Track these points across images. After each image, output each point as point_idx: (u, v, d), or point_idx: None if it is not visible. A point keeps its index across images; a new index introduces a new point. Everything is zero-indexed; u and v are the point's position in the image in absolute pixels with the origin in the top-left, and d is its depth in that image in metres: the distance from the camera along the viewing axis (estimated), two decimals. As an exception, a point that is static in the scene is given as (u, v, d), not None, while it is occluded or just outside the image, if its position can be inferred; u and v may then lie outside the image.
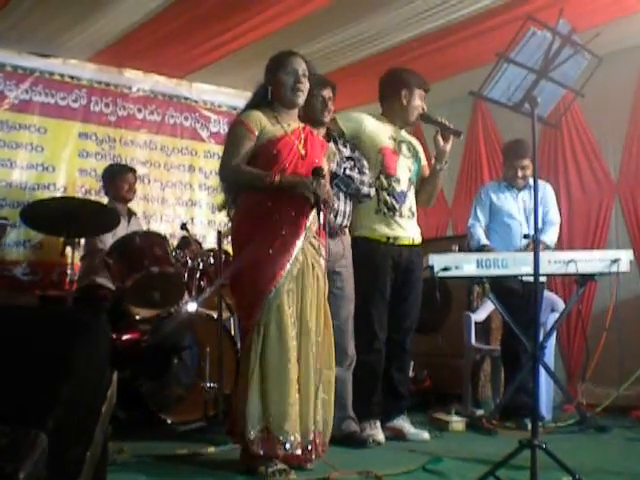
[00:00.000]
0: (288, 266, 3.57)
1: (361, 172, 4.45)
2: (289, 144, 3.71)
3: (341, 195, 4.43)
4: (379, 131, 4.67)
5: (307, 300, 3.63)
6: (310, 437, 3.55)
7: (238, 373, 3.82)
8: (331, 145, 4.23)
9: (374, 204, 4.58)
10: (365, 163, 4.52)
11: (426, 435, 4.60)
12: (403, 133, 4.79)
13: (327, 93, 4.45)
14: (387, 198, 4.58)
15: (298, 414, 3.51)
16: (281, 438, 3.45)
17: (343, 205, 4.45)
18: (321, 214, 3.58)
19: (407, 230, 4.62)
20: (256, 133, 3.69)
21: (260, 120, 3.71)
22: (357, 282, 4.55)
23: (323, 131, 4.45)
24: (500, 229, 5.53)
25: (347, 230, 4.58)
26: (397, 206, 4.58)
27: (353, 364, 4.47)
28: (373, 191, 4.50)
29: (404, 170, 4.66)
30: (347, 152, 4.50)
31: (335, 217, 4.41)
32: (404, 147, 4.71)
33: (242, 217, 3.78)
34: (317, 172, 3.61)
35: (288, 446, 3.46)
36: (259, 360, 3.51)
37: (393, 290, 4.60)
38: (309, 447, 3.55)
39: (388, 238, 4.57)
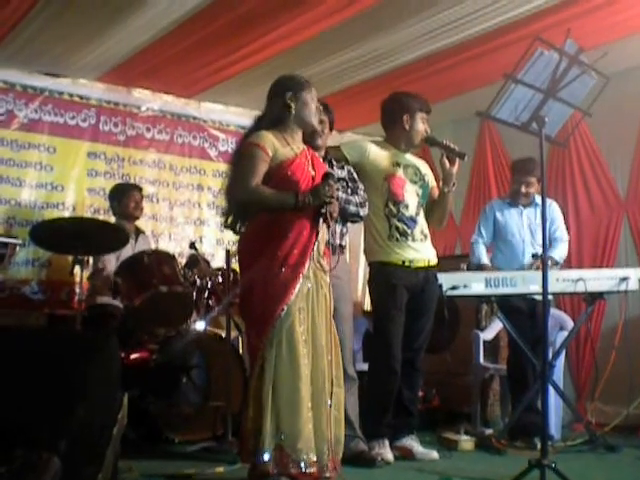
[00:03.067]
0: (299, 285, 3.57)
1: (354, 193, 4.45)
2: (301, 166, 3.72)
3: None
4: (382, 159, 4.67)
5: (317, 319, 3.63)
6: (326, 456, 3.54)
7: (246, 392, 3.81)
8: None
9: (386, 231, 4.59)
10: (361, 185, 4.52)
11: (435, 454, 4.57)
12: (408, 157, 4.77)
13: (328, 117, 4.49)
14: (398, 224, 4.58)
15: (312, 433, 3.50)
16: (295, 457, 3.43)
17: (333, 224, 4.45)
18: (323, 221, 3.62)
19: (421, 252, 4.61)
20: (270, 155, 3.68)
21: (273, 142, 3.71)
22: (375, 304, 4.70)
23: (320, 155, 4.50)
24: (504, 246, 5.53)
25: (345, 250, 4.66)
26: (409, 231, 4.58)
27: (356, 384, 4.46)
28: (364, 211, 4.47)
29: (412, 195, 4.65)
30: (342, 174, 4.51)
31: (333, 237, 4.41)
32: (410, 172, 4.70)
33: (252, 236, 3.78)
34: (328, 176, 3.64)
35: (302, 465, 3.44)
36: (272, 379, 3.50)
37: (407, 310, 4.59)
38: (325, 466, 3.53)
39: (403, 262, 4.56)
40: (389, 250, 4.59)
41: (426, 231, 4.68)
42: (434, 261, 4.71)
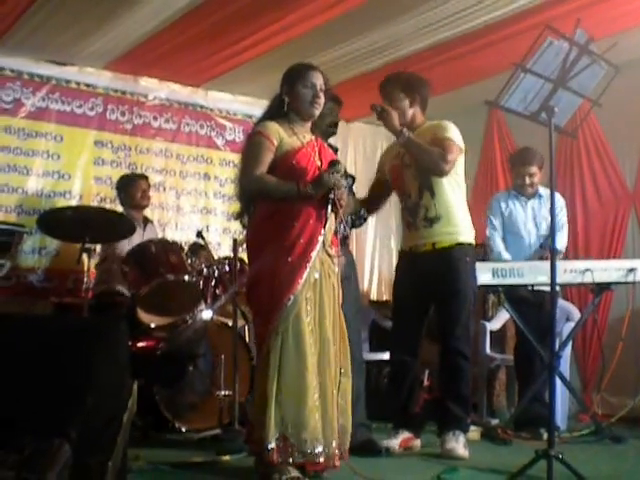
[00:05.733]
0: (306, 274, 3.56)
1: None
2: (307, 155, 3.72)
3: None
4: (388, 157, 4.74)
5: (325, 308, 3.62)
6: (333, 445, 3.54)
7: (254, 381, 3.80)
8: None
9: (401, 222, 4.72)
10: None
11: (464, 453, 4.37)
12: None
13: (336, 107, 4.55)
14: (405, 214, 4.61)
15: (319, 422, 3.50)
16: (299, 447, 3.44)
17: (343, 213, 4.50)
18: (331, 209, 3.62)
19: (425, 237, 4.49)
20: (275, 144, 3.68)
21: (278, 131, 3.71)
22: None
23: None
24: (511, 238, 5.50)
25: (348, 241, 4.76)
26: (411, 220, 4.54)
27: (363, 371, 4.48)
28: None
29: (410, 181, 4.55)
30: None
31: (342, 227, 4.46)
32: (408, 156, 4.54)
33: (259, 225, 3.76)
34: (333, 164, 3.64)
35: (308, 454, 3.45)
36: (277, 368, 3.50)
37: (432, 298, 4.55)
38: (332, 455, 3.53)
39: (410, 248, 4.58)
40: (402, 238, 4.75)
41: (433, 214, 4.47)
42: (444, 243, 4.46)
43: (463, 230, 4.54)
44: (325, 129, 4.46)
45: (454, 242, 4.48)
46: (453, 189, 4.54)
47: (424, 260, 4.50)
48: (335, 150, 4.65)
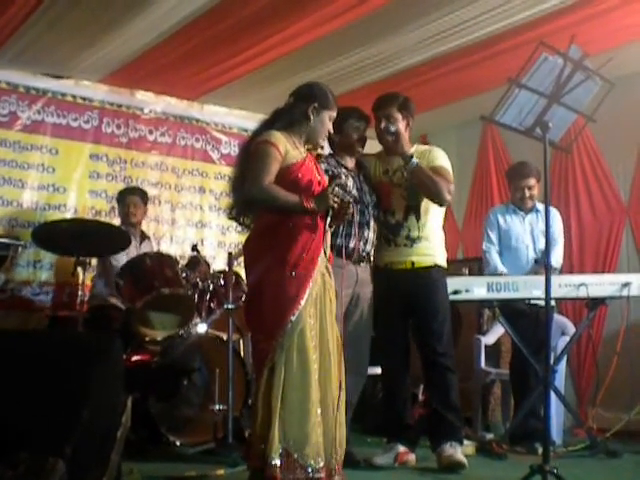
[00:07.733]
0: (309, 289, 3.53)
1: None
2: (310, 169, 3.71)
3: (372, 223, 4.51)
4: (375, 171, 4.68)
5: (325, 323, 3.60)
6: (334, 460, 3.50)
7: (248, 395, 3.76)
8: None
9: (378, 237, 4.61)
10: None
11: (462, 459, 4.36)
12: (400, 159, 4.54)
13: (363, 125, 4.55)
14: (384, 231, 4.58)
15: (321, 437, 3.47)
16: (302, 462, 3.40)
17: (372, 234, 4.52)
18: (330, 221, 3.61)
19: (404, 255, 4.52)
20: (282, 155, 3.63)
21: (285, 143, 3.67)
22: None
23: (353, 161, 4.60)
24: (507, 252, 5.50)
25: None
26: (391, 237, 4.55)
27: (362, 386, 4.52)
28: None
29: (398, 200, 4.56)
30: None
31: (365, 244, 4.45)
32: (398, 175, 4.58)
33: (260, 237, 3.72)
34: (333, 179, 3.64)
35: (310, 470, 3.41)
36: (281, 384, 3.46)
37: (410, 312, 4.55)
38: (333, 469, 3.49)
39: (386, 264, 4.57)
40: (378, 254, 4.63)
41: (415, 235, 4.52)
42: (423, 263, 4.52)
43: (440, 253, 4.63)
44: (354, 147, 4.49)
45: (432, 263, 4.55)
46: (436, 214, 4.60)
47: (402, 278, 4.53)
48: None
